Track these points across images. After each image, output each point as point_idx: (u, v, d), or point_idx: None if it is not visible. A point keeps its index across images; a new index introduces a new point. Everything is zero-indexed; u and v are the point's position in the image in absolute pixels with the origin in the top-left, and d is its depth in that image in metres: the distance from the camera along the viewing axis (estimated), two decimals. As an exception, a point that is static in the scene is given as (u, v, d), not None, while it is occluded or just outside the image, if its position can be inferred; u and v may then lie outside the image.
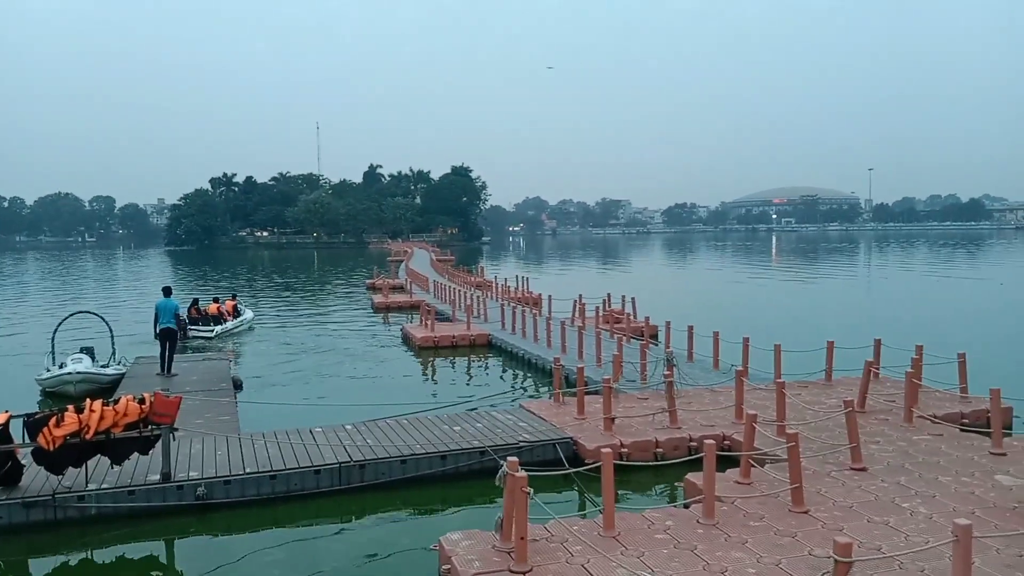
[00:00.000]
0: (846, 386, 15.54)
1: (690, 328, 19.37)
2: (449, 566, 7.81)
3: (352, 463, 11.28)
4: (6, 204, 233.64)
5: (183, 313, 18.48)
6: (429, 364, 22.65)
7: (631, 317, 26.62)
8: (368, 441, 12.12)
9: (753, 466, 10.12)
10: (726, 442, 12.15)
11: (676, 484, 10.92)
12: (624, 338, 19.96)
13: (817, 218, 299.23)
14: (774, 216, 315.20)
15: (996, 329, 28.60)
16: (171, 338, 18.80)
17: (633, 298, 28.24)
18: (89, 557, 9.50)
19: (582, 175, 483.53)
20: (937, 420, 12.79)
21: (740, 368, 14.34)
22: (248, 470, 10.94)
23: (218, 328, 28.44)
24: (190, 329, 27.62)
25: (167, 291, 19.77)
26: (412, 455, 11.64)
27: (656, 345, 21.05)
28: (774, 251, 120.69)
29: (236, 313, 31.28)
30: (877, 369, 15.66)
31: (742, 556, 7.71)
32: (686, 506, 9.32)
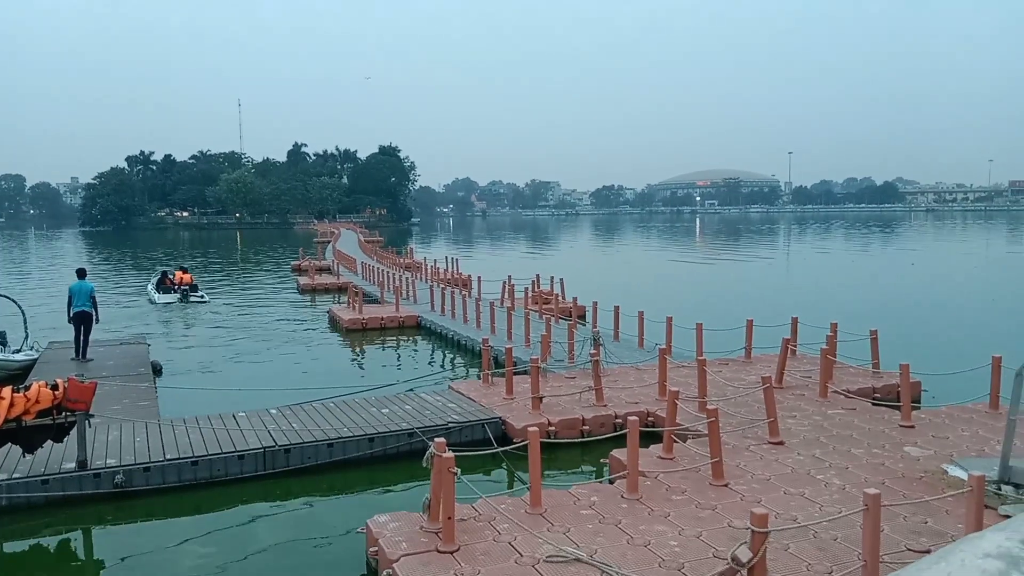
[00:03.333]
0: (765, 363, 16.03)
1: (616, 308, 19.67)
2: (376, 548, 7.80)
3: (277, 447, 11.12)
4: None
5: (92, 295, 18.01)
6: (357, 347, 22.43)
7: (559, 298, 26.85)
8: (294, 425, 11.96)
9: (676, 441, 10.39)
10: (650, 419, 12.43)
11: (602, 461, 11.10)
12: (553, 319, 20.16)
13: (739, 200, 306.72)
14: (698, 198, 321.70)
15: (907, 307, 29.91)
16: (86, 321, 18.11)
17: (562, 279, 28.49)
18: (0, 548, 9.14)
19: (512, 157, 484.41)
20: (850, 395, 13.33)
21: (663, 347, 14.66)
22: (168, 456, 10.67)
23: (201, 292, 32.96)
24: (191, 297, 32.03)
25: (81, 273, 19.02)
26: (339, 438, 11.54)
27: (584, 325, 21.30)
28: (698, 233, 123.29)
29: None
30: (794, 346, 16.23)
31: (665, 529, 7.92)
32: (611, 482, 9.51)
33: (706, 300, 32.35)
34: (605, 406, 12.94)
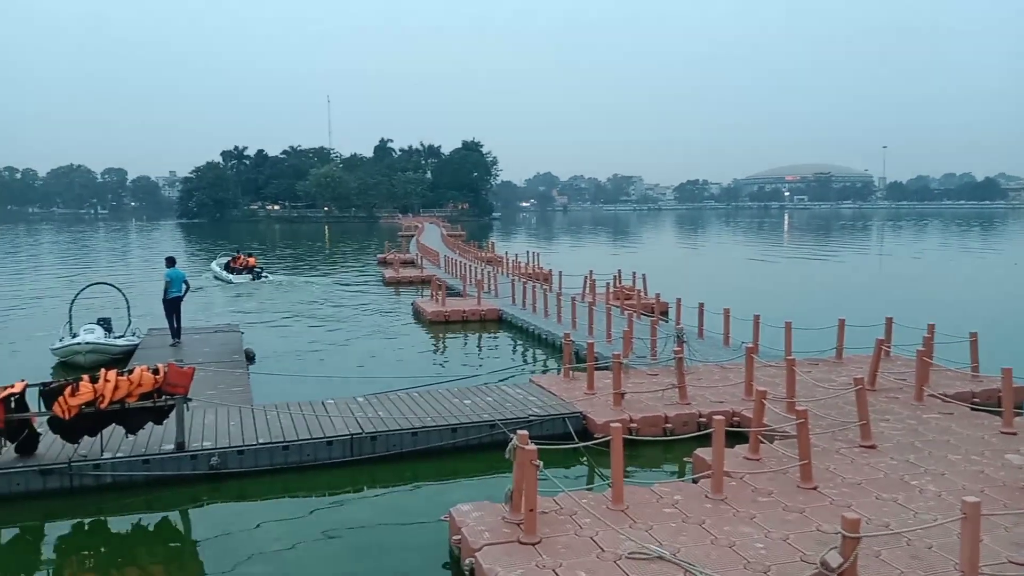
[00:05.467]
0: (856, 364, 15.52)
1: (701, 305, 19.35)
2: (459, 536, 7.90)
3: (364, 435, 11.39)
4: (19, 176, 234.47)
5: (185, 280, 19.28)
6: (440, 338, 22.74)
7: (642, 294, 26.59)
8: (379, 413, 12.22)
9: (762, 442, 10.17)
10: (735, 418, 12.19)
11: (685, 460, 10.97)
12: (635, 314, 19.98)
13: (830, 196, 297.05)
14: (786, 193, 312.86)
15: (1009, 309, 28.43)
16: (179, 306, 19.32)
17: (644, 275, 28.21)
18: (105, 524, 9.64)
19: (594, 151, 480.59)
20: (948, 399, 12.77)
21: (750, 345, 14.34)
22: (261, 440, 11.06)
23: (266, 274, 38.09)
24: (260, 277, 37.00)
25: (171, 261, 19.97)
26: (423, 427, 11.74)
27: (666, 322, 21.05)
28: (786, 229, 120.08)
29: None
30: (888, 347, 15.65)
31: (750, 531, 7.77)
32: (695, 481, 9.37)
33: (794, 298, 31.51)
34: (689, 404, 12.76)
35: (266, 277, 37.57)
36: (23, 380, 10.51)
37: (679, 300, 20.55)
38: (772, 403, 11.23)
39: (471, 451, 11.78)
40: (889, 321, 16.46)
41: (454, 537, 8.15)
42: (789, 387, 12.21)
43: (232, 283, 36.36)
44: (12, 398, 10.13)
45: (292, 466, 10.98)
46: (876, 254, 64.65)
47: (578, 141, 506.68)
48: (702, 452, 10.01)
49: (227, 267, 39.09)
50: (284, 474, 10.87)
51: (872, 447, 10.37)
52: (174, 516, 9.90)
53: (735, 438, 10.89)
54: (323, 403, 12.78)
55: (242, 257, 39.71)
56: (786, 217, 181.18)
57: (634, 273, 28.43)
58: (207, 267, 42.52)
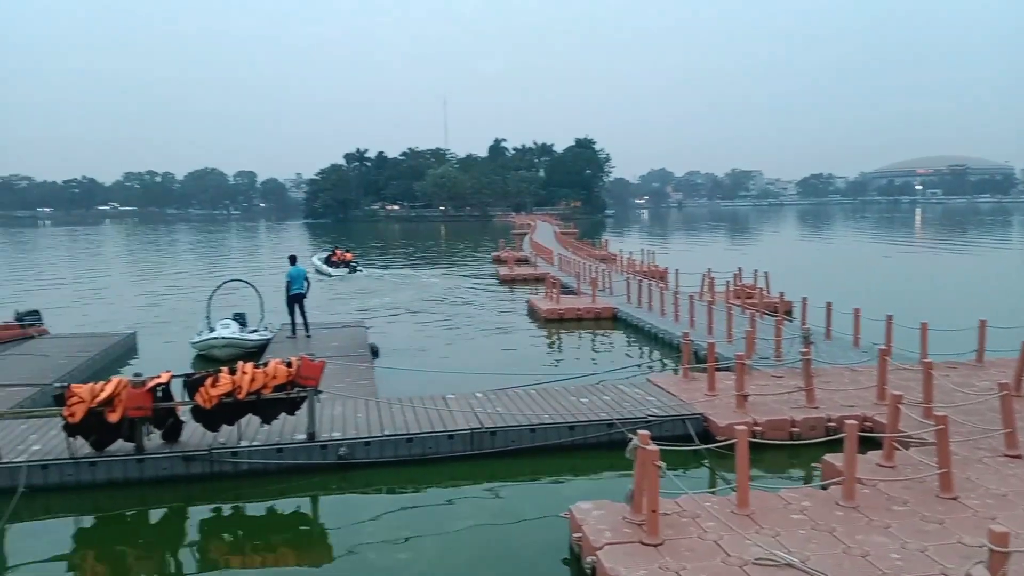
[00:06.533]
0: (999, 368, 14.54)
1: (828, 304, 18.61)
2: (580, 535, 7.91)
3: (484, 429, 11.58)
4: (159, 179, 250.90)
5: (306, 278, 20.41)
6: (555, 336, 22.80)
7: (764, 292, 25.83)
8: (498, 409, 12.39)
9: (897, 449, 9.69)
10: (867, 423, 11.65)
11: (812, 465, 10.58)
12: (757, 314, 19.41)
13: (966, 189, 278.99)
14: (918, 187, 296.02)
15: None
16: (302, 302, 20.20)
17: (766, 272, 27.36)
18: (242, 509, 10.21)
19: (710, 145, 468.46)
20: (1107, 408, 11.78)
21: (883, 347, 13.67)
22: (386, 432, 11.43)
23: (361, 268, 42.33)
24: (357, 270, 41.46)
25: (293, 259, 20.88)
26: (541, 424, 11.82)
27: (791, 322, 20.35)
28: (918, 224, 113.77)
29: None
30: (1037, 351, 14.57)
31: (885, 541, 7.42)
32: (824, 487, 9.03)
33: (929, 298, 29.82)
34: (817, 408, 12.30)
35: (360, 270, 41.78)
36: (169, 371, 11.24)
37: (804, 299, 19.82)
38: (907, 408, 10.67)
39: (588, 449, 11.77)
40: (1037, 323, 15.34)
41: (574, 535, 8.17)
42: (926, 392, 11.56)
43: (331, 276, 39.85)
44: (159, 388, 10.86)
45: (415, 458, 11.29)
46: (1020, 251, 60.29)
47: (694, 136, 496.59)
48: (831, 458, 9.62)
49: (327, 261, 42.71)
50: (408, 466, 11.19)
51: (1018, 457, 9.71)
52: (305, 503, 10.36)
53: (867, 444, 10.40)
54: (443, 398, 13.08)
55: (339, 252, 43.86)
56: (918, 212, 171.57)
57: (755, 271, 27.62)
58: (309, 262, 44.94)
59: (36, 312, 22.65)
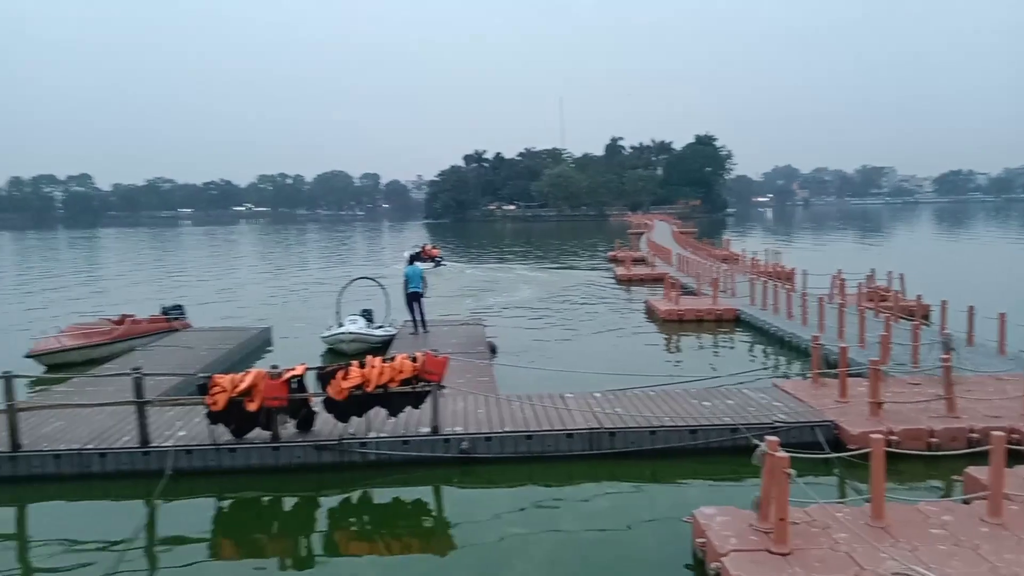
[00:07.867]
0: None
1: (970, 308, 17.47)
2: (704, 540, 7.77)
3: (603, 430, 11.54)
4: (290, 181, 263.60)
5: (422, 276, 21.29)
6: (674, 338, 22.44)
7: (899, 295, 24.53)
8: (617, 410, 12.32)
9: (1051, 465, 9.01)
10: (1014, 435, 10.87)
11: (953, 478, 9.99)
12: (892, 317, 18.47)
13: None
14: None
15: None
16: (419, 300, 20.81)
17: (901, 274, 25.97)
18: (369, 497, 10.58)
19: (839, 142, 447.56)
20: None
21: (1033, 355, 12.73)
22: (506, 429, 11.58)
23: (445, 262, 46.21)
24: (442, 264, 45.02)
25: (411, 259, 21.53)
26: (661, 427, 11.67)
27: (929, 326, 19.26)
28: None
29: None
30: None
31: (1038, 563, 6.92)
32: (966, 502, 8.52)
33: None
34: (958, 418, 11.59)
35: (443, 264, 46.70)
36: (304, 364, 11.77)
37: (944, 302, 18.71)
38: (1063, 421, 9.92)
39: (711, 454, 11.53)
40: None
41: (698, 540, 8.02)
42: (1084, 404, 10.71)
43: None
44: (295, 380, 11.41)
45: (534, 455, 11.39)
46: None
47: (822, 132, 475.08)
48: (975, 471, 9.06)
49: (416, 256, 44.79)
50: (527, 463, 11.30)
51: None
52: (427, 494, 10.64)
53: (1015, 458, 9.72)
54: (562, 396, 13.12)
55: (427, 248, 48.10)
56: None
57: (890, 272, 26.28)
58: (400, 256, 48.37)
59: (180, 307, 24.31)
